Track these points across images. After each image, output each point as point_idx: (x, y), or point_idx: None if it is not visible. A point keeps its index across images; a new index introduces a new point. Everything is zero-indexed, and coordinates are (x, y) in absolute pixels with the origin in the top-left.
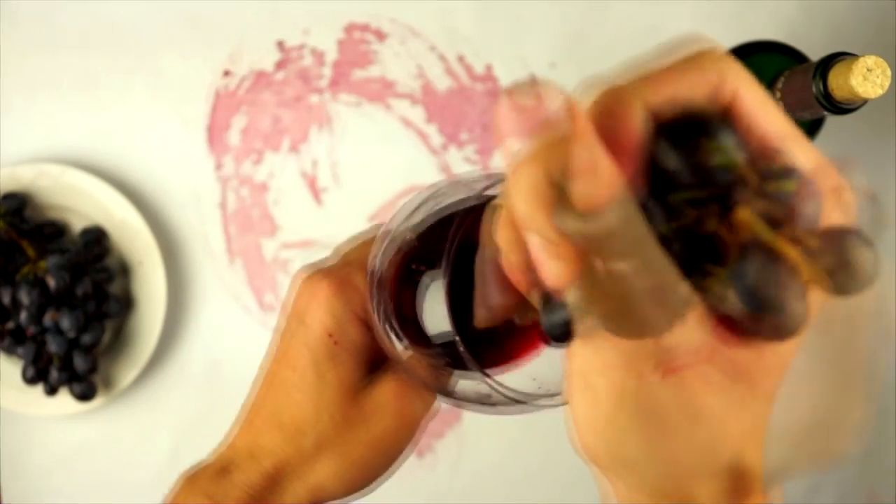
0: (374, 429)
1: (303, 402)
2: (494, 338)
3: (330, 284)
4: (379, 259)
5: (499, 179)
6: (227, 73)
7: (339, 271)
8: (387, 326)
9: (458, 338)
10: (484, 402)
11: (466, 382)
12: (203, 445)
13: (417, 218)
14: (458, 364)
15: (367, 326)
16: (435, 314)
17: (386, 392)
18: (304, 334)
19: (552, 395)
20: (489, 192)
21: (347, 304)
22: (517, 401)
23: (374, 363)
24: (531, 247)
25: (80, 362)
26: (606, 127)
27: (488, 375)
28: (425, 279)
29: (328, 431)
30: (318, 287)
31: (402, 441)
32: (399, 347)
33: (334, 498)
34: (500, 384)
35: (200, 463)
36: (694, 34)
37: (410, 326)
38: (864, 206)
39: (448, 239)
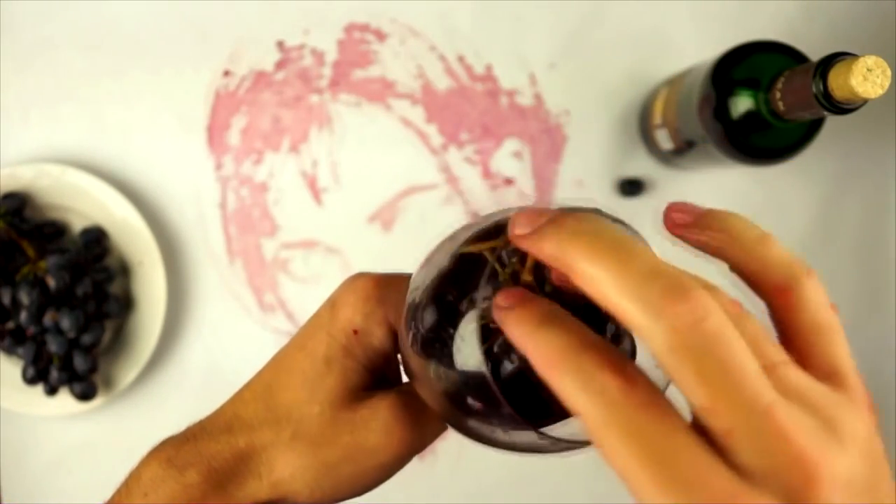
0: (358, 438)
1: (300, 388)
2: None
3: (372, 281)
4: (419, 290)
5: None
6: (227, 73)
7: (385, 275)
8: (422, 349)
9: (505, 402)
10: (534, 450)
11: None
12: None
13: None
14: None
15: (393, 335)
16: (468, 353)
17: (384, 408)
18: (329, 322)
19: None
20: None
21: (381, 305)
22: (563, 443)
23: (382, 379)
24: None
25: (80, 362)
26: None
27: (541, 433)
28: (462, 311)
29: (312, 424)
30: (360, 281)
31: (379, 463)
32: (432, 378)
33: (293, 501)
34: (551, 436)
35: (173, 434)
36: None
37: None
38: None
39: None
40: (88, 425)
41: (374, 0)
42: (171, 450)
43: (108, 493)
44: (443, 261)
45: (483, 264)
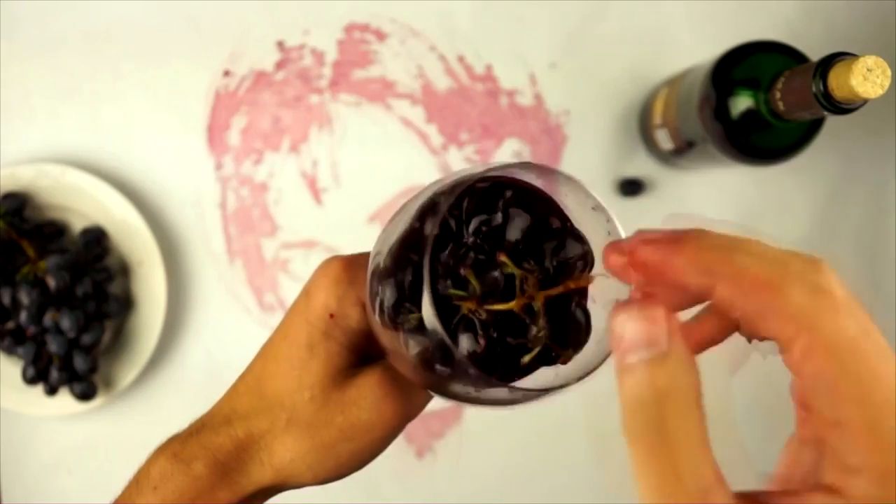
0: (350, 417)
1: (288, 375)
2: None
3: (340, 264)
4: (381, 256)
5: (495, 168)
6: (227, 73)
7: (354, 255)
8: (387, 320)
9: (470, 362)
10: (495, 401)
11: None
12: None
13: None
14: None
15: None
16: (427, 320)
17: (371, 384)
18: (306, 309)
19: (575, 381)
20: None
21: (353, 285)
22: (534, 392)
23: (366, 356)
24: None
25: (80, 362)
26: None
27: (511, 386)
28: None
29: (305, 409)
30: (330, 266)
31: (376, 438)
32: (401, 344)
33: (298, 482)
34: (520, 388)
35: (177, 432)
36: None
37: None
38: None
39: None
40: (88, 425)
41: (374, 0)
42: (177, 445)
43: (108, 493)
44: (397, 229)
45: (440, 231)
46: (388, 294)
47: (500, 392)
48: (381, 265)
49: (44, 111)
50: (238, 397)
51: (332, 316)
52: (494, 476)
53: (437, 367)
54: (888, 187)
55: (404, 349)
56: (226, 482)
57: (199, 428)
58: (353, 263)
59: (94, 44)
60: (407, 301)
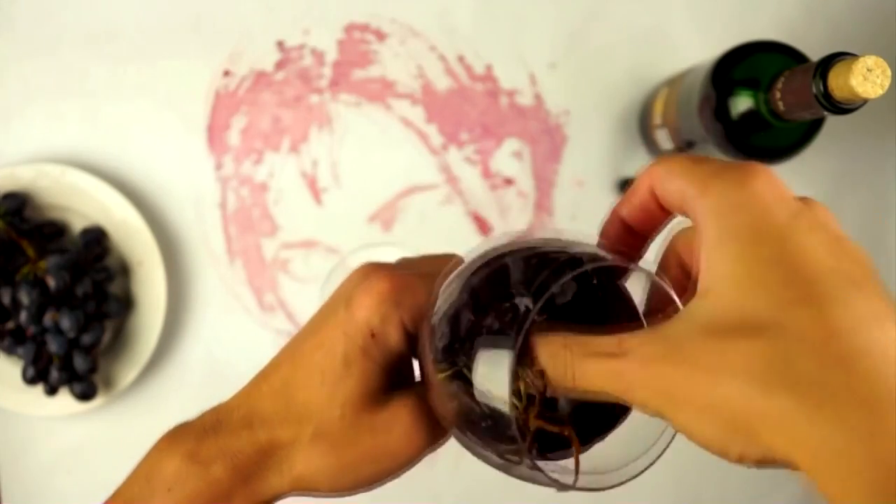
0: (378, 441)
1: (319, 387)
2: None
3: (389, 282)
4: (448, 308)
5: (585, 255)
6: (227, 73)
7: (401, 272)
8: (438, 366)
9: (518, 434)
10: (530, 479)
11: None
12: None
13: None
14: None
15: (409, 337)
16: (490, 380)
17: (404, 413)
18: (346, 321)
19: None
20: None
21: (398, 307)
22: (557, 483)
23: (399, 381)
24: None
25: (80, 362)
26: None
27: (537, 467)
28: (487, 337)
29: (333, 425)
30: (377, 280)
31: (400, 463)
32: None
33: (314, 492)
34: (547, 471)
35: (186, 421)
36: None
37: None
38: None
39: (518, 320)
40: (88, 425)
41: (374, 0)
42: (192, 443)
43: (108, 494)
44: (473, 288)
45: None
46: (455, 346)
47: (520, 468)
48: (454, 316)
49: (44, 111)
50: (261, 398)
51: (373, 335)
52: (494, 476)
53: (484, 427)
54: (888, 187)
55: (453, 399)
56: (243, 489)
57: (214, 425)
58: (400, 285)
59: (93, 43)
60: (464, 357)
